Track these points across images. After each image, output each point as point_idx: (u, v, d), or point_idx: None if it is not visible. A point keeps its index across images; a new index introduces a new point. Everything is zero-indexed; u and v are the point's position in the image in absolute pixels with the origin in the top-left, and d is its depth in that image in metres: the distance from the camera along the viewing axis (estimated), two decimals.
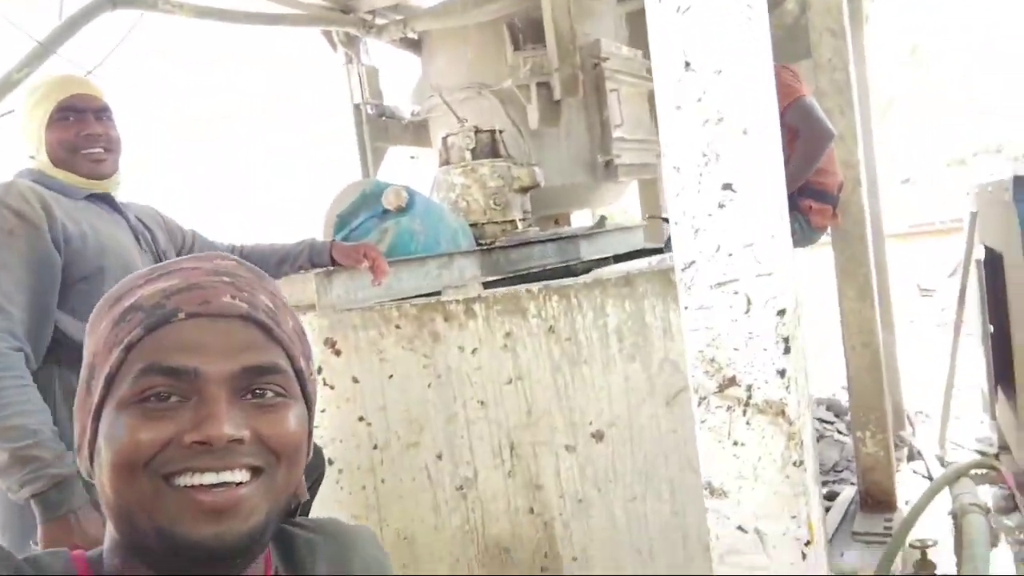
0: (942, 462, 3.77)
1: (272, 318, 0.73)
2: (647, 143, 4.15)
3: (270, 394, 0.71)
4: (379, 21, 3.93)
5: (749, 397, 1.11)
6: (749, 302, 1.09)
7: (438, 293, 2.39)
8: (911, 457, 4.00)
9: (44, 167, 1.67)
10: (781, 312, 1.08)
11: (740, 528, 1.14)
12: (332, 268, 2.13)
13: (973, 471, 2.33)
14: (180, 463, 0.67)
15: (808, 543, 1.10)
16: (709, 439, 1.14)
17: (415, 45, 4.17)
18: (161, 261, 1.83)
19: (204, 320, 0.70)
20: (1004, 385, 2.94)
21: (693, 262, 1.11)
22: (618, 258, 3.43)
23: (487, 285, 2.62)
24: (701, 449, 1.16)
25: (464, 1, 3.73)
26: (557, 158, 3.66)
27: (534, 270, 2.91)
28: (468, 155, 2.89)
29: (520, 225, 2.92)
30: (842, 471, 3.89)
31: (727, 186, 1.08)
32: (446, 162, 2.97)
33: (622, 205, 4.62)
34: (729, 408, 1.12)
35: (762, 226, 1.08)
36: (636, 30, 4.48)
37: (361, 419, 2.11)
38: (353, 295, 2.20)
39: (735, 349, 1.11)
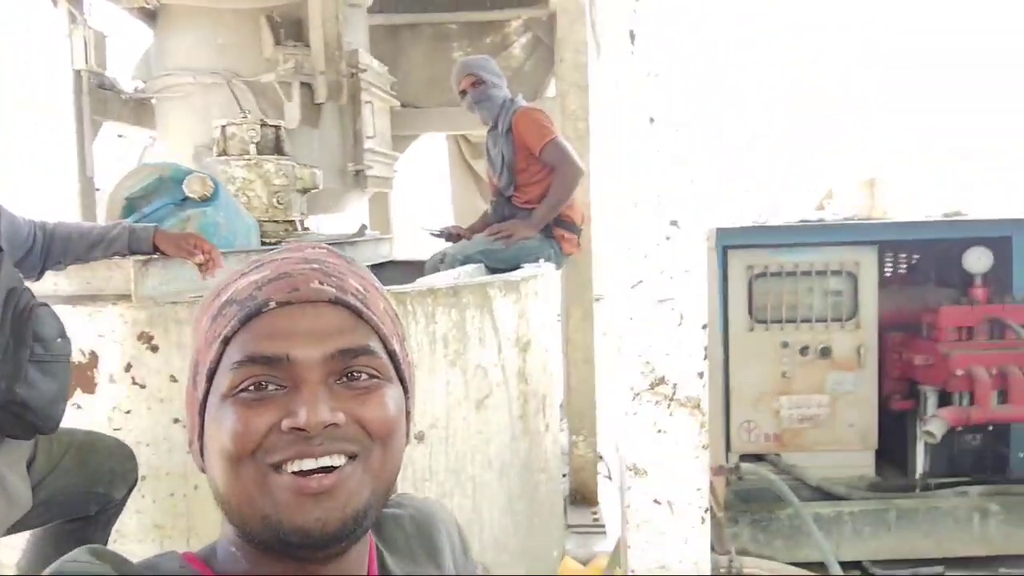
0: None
1: (362, 301, 0.75)
2: (389, 157, 4.30)
3: (364, 376, 0.73)
4: None
5: (674, 393, 1.37)
6: (682, 317, 1.35)
7: None
8: None
9: None
10: (704, 326, 1.36)
11: (655, 501, 1.39)
12: (153, 257, 1.93)
13: None
14: (282, 450, 0.68)
15: (707, 510, 1.39)
16: (637, 429, 1.38)
17: (150, 16, 3.80)
18: None
19: (294, 307, 0.71)
20: None
21: (641, 282, 1.35)
22: (373, 268, 3.52)
23: None
24: (629, 437, 1.38)
25: None
26: (310, 161, 3.63)
27: None
28: (252, 148, 2.77)
29: (299, 226, 2.87)
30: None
31: (674, 222, 1.34)
32: (223, 152, 2.80)
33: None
34: (657, 403, 1.37)
35: (698, 256, 1.35)
36: (375, 44, 4.61)
37: (177, 421, 1.95)
38: (167, 287, 2.01)
39: (667, 354, 1.36)
